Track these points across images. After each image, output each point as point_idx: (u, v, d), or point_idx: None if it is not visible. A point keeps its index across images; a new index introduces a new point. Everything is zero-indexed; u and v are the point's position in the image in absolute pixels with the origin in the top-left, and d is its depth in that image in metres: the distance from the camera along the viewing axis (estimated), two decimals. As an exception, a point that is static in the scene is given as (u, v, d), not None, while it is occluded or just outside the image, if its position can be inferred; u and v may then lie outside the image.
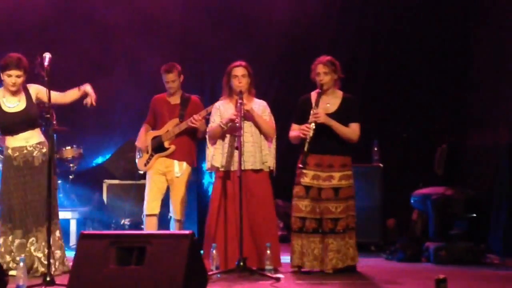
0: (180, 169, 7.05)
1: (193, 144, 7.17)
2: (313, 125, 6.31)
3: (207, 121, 6.92)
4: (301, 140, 6.39)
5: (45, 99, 6.08)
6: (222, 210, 6.59)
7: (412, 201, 8.14)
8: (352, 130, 6.45)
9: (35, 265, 6.27)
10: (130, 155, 7.62)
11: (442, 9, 9.33)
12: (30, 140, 6.39)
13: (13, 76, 6.26)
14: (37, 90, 6.35)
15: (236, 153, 6.42)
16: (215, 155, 6.65)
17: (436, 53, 9.28)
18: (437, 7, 9.33)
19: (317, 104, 6.38)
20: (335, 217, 6.38)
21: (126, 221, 8.52)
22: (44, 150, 6.35)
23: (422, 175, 8.64)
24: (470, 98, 9.05)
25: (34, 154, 6.38)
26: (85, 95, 6.47)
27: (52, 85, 5.91)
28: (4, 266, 6.11)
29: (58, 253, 6.36)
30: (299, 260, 6.38)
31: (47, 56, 5.87)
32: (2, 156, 6.53)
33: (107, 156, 9.39)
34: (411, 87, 9.32)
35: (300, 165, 6.32)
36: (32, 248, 6.29)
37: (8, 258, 6.28)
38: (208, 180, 8.82)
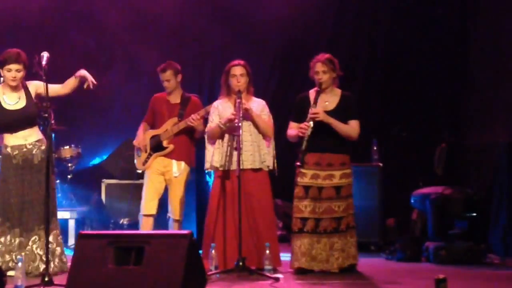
0: (178, 169, 7.02)
1: (192, 144, 7.15)
2: (311, 123, 6.30)
3: (206, 120, 6.90)
4: (300, 138, 6.38)
5: (45, 94, 6.05)
6: (221, 210, 6.58)
7: (412, 201, 8.12)
8: (351, 127, 6.44)
9: (36, 263, 6.26)
10: (129, 154, 7.59)
11: (440, 8, 9.33)
12: (29, 138, 6.38)
13: (13, 71, 6.26)
14: (36, 87, 6.34)
15: (235, 152, 6.40)
16: (215, 155, 6.63)
17: (435, 53, 9.28)
18: (435, 6, 9.32)
19: (315, 102, 6.37)
20: (338, 216, 6.38)
21: (124, 221, 8.51)
22: (43, 147, 6.35)
23: (421, 175, 8.63)
24: (469, 98, 9.05)
25: (34, 152, 6.37)
26: (83, 80, 6.42)
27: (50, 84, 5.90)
28: (3, 266, 6.11)
29: (58, 250, 6.37)
30: (298, 262, 6.36)
31: (45, 55, 5.87)
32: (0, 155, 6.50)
33: (106, 156, 9.37)
34: (410, 87, 9.32)
35: (299, 164, 6.31)
36: (34, 246, 6.29)
37: (7, 257, 6.27)
38: (207, 180, 8.79)
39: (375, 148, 8.52)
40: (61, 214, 7.95)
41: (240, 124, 6.33)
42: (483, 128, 8.62)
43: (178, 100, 7.12)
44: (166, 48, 9.30)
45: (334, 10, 9.64)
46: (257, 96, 6.81)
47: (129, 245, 4.98)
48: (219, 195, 6.60)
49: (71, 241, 8.31)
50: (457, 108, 9.26)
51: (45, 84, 5.84)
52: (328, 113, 6.38)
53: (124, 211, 8.53)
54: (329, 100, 6.48)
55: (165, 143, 7.05)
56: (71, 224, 8.45)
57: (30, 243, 6.30)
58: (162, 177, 7.08)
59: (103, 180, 8.82)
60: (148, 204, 7.03)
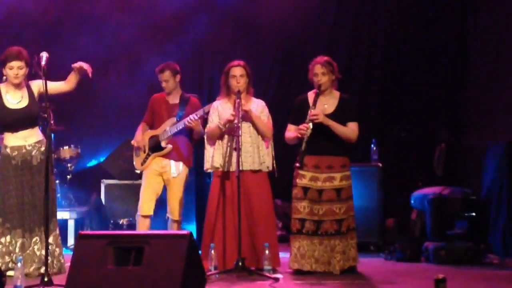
0: (176, 169, 7.02)
1: (190, 144, 7.14)
2: (310, 125, 6.29)
3: (205, 120, 6.90)
4: (298, 140, 6.38)
5: (50, 92, 6.07)
6: (220, 210, 6.58)
7: (411, 201, 8.13)
8: (350, 130, 6.44)
9: (36, 264, 6.25)
10: (128, 154, 7.59)
11: (439, 9, 9.33)
12: (28, 139, 6.38)
13: (15, 68, 6.27)
14: (39, 86, 6.33)
15: (234, 153, 6.40)
16: (215, 155, 6.63)
17: (434, 53, 9.28)
18: (434, 7, 9.32)
19: (314, 104, 6.36)
20: (339, 218, 6.38)
21: (124, 221, 8.50)
22: (43, 148, 6.34)
23: (421, 175, 8.63)
24: (469, 98, 9.05)
25: (33, 153, 6.37)
26: (82, 71, 6.38)
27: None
28: (3, 267, 6.11)
29: (57, 250, 6.37)
30: (297, 263, 6.35)
31: (44, 55, 5.88)
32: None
33: (105, 156, 9.37)
34: (409, 87, 9.32)
35: (297, 165, 6.30)
36: (36, 247, 6.29)
37: (7, 258, 6.27)
38: (207, 181, 8.79)
39: (374, 148, 8.51)
40: (61, 215, 7.95)
41: (239, 124, 6.33)
42: (482, 128, 8.62)
43: (177, 101, 7.11)
44: (166, 48, 9.29)
45: (334, 10, 9.63)
46: (257, 97, 6.80)
47: (128, 245, 4.98)
48: (219, 196, 6.60)
49: (71, 241, 8.31)
50: (456, 108, 9.26)
51: (44, 83, 5.84)
52: (327, 115, 6.38)
53: (124, 211, 8.52)
54: (328, 102, 6.47)
55: (163, 144, 7.04)
56: (71, 224, 8.44)
57: (32, 244, 6.30)
58: (160, 178, 7.07)
59: (102, 181, 8.82)
60: (146, 205, 7.02)
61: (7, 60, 6.27)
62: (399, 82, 9.38)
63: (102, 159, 9.42)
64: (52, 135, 5.92)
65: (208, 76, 9.52)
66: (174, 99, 7.12)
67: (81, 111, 9.36)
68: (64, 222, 8.28)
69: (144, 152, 7.10)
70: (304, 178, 6.40)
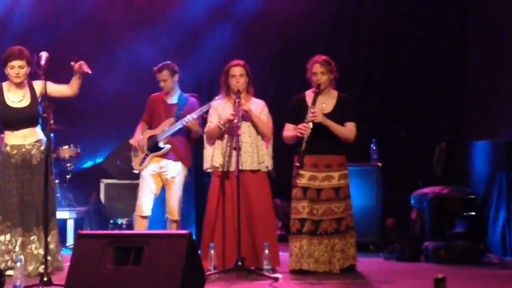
0: (175, 170, 7.01)
1: (189, 144, 7.14)
2: (310, 125, 6.29)
3: (204, 120, 6.90)
4: (297, 140, 6.37)
5: (52, 93, 6.15)
6: (220, 210, 6.58)
7: (412, 200, 8.13)
8: (348, 129, 6.44)
9: (34, 263, 6.25)
10: (127, 154, 7.58)
11: (439, 8, 9.32)
12: (28, 138, 6.38)
13: (16, 67, 6.28)
14: (42, 87, 6.32)
15: (234, 153, 6.40)
16: (215, 155, 6.63)
17: (434, 52, 9.27)
18: (434, 6, 9.31)
19: (314, 103, 6.35)
20: (338, 217, 6.39)
21: (123, 221, 8.49)
22: (43, 148, 6.35)
23: (421, 174, 8.62)
24: (469, 97, 9.04)
25: (32, 152, 6.37)
26: (83, 72, 6.35)
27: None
28: (3, 266, 6.12)
29: (55, 249, 6.37)
30: (297, 263, 6.35)
31: (44, 55, 5.89)
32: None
33: (104, 156, 9.36)
34: (409, 86, 9.31)
35: (298, 165, 6.30)
36: (33, 246, 6.29)
37: (6, 257, 6.27)
38: (206, 180, 8.79)
39: (374, 148, 8.51)
40: (60, 214, 7.94)
41: (239, 124, 6.32)
42: (482, 128, 8.61)
43: (175, 101, 7.11)
44: (166, 48, 9.29)
45: (334, 10, 9.63)
46: (257, 96, 6.80)
47: (128, 245, 4.98)
48: (218, 196, 6.60)
49: (70, 241, 8.30)
50: (456, 107, 9.24)
51: (43, 83, 5.84)
52: (326, 115, 6.38)
53: (123, 211, 8.51)
54: (326, 102, 6.47)
55: (161, 143, 7.04)
56: (70, 224, 8.43)
57: (30, 243, 6.30)
58: (159, 178, 7.07)
59: (102, 180, 8.80)
60: (144, 206, 7.02)
61: (8, 59, 6.29)
62: (399, 82, 9.37)
63: (100, 160, 9.41)
64: (52, 134, 5.91)
65: (208, 76, 9.50)
66: (172, 99, 7.12)
67: (81, 111, 9.35)
68: (64, 222, 8.27)
69: (143, 152, 7.10)
70: (303, 178, 6.40)
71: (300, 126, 6.32)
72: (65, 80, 6.48)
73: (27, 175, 6.35)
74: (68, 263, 5.17)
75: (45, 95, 5.95)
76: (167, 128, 7.02)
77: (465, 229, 7.71)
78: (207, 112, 6.82)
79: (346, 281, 6.06)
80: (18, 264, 5.52)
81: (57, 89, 6.35)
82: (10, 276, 5.75)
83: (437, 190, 7.87)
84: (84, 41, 9.40)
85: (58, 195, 8.56)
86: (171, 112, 7.06)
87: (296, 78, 8.97)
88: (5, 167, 6.38)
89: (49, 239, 5.99)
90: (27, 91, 6.38)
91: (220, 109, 6.67)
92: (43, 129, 6.44)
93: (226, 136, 6.61)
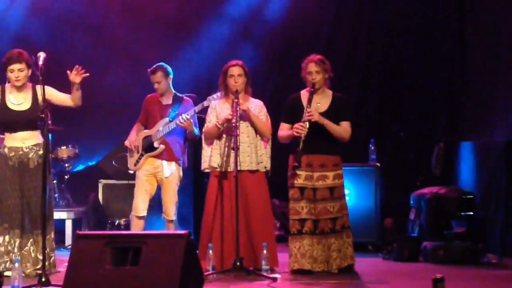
0: (169, 170, 7.01)
1: (184, 144, 7.13)
2: (307, 124, 6.27)
3: (202, 120, 6.90)
4: (293, 139, 6.35)
5: (53, 101, 6.25)
6: (218, 210, 6.57)
7: (411, 201, 8.13)
8: (344, 129, 6.43)
9: (31, 265, 6.24)
10: (123, 154, 7.58)
11: (438, 8, 9.32)
12: (27, 141, 6.37)
13: (16, 71, 6.28)
14: (45, 91, 6.29)
15: (232, 153, 6.39)
16: (213, 155, 6.62)
17: (433, 53, 9.27)
18: (432, 6, 9.31)
19: (310, 103, 6.34)
20: (333, 216, 6.37)
21: (121, 221, 8.49)
22: (41, 152, 6.30)
23: (419, 175, 8.62)
24: (467, 98, 9.04)
25: (30, 156, 6.35)
26: (79, 82, 6.33)
27: (47, 84, 5.88)
28: (1, 267, 6.11)
29: (50, 252, 6.34)
30: (298, 263, 6.34)
31: (42, 55, 5.88)
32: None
33: (102, 157, 9.35)
34: (407, 86, 9.31)
35: (296, 164, 6.28)
36: (31, 248, 6.28)
37: (5, 258, 6.27)
38: (206, 181, 8.78)
39: (373, 148, 8.51)
40: (58, 215, 7.95)
41: (237, 124, 6.32)
42: (481, 128, 8.61)
43: (170, 101, 7.11)
44: (165, 48, 9.29)
45: (333, 10, 9.63)
46: (255, 96, 6.80)
47: (126, 245, 4.98)
48: (216, 196, 6.59)
49: (68, 241, 8.29)
50: (455, 108, 9.25)
51: (41, 83, 5.83)
52: (321, 114, 6.37)
53: (121, 211, 8.50)
54: (321, 101, 6.46)
55: (156, 144, 7.04)
56: (68, 224, 8.43)
57: (28, 245, 6.28)
58: (154, 178, 7.07)
59: (100, 181, 8.80)
60: (140, 206, 7.02)
61: (7, 63, 6.29)
62: (398, 82, 9.37)
63: (96, 161, 9.41)
64: (50, 135, 5.90)
65: (206, 75, 9.50)
66: (167, 100, 7.13)
67: (79, 111, 9.30)
68: (62, 222, 8.27)
69: (138, 152, 7.11)
70: (300, 178, 6.38)
71: (296, 125, 6.31)
72: (65, 80, 6.46)
73: (24, 178, 6.33)
74: (66, 264, 5.16)
75: (43, 98, 5.93)
76: (161, 128, 7.02)
77: (464, 229, 7.70)
78: (205, 112, 6.82)
79: (344, 281, 6.06)
80: (16, 265, 5.51)
81: (59, 98, 6.37)
82: (8, 277, 5.74)
83: (434, 190, 7.87)
84: (83, 42, 9.40)
85: (56, 195, 8.56)
86: (165, 113, 7.06)
87: (295, 77, 8.97)
88: (1, 169, 6.36)
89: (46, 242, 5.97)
90: (28, 95, 6.37)
91: (219, 109, 6.66)
92: (41, 130, 6.41)
93: (224, 136, 6.61)
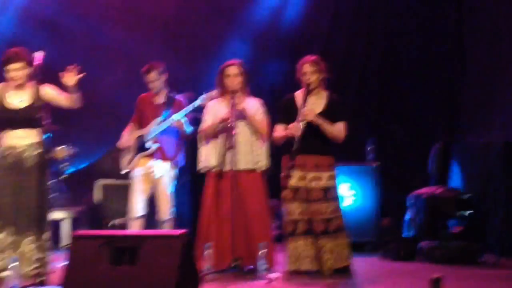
0: (162, 169, 7.01)
1: (178, 144, 7.12)
2: (302, 124, 6.26)
3: (196, 120, 6.89)
4: (287, 140, 6.33)
5: (52, 101, 6.25)
6: (215, 210, 6.56)
7: (408, 201, 8.14)
8: (339, 129, 6.42)
9: (26, 265, 6.24)
10: (117, 154, 7.58)
11: (436, 8, 9.33)
12: (23, 140, 6.35)
13: (13, 70, 6.25)
14: (46, 92, 6.26)
15: (229, 153, 6.38)
16: (209, 155, 6.62)
17: (432, 52, 9.28)
18: (431, 6, 9.32)
19: (304, 103, 6.33)
20: (327, 217, 6.34)
21: (119, 221, 8.48)
22: (38, 151, 6.29)
23: (417, 174, 8.63)
24: (466, 98, 9.05)
25: (25, 154, 6.33)
26: (74, 84, 6.33)
27: (45, 83, 5.88)
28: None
29: (47, 254, 6.33)
30: (294, 264, 6.34)
31: (38, 54, 5.86)
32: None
33: (100, 156, 9.35)
34: (406, 86, 9.32)
35: (291, 164, 6.26)
36: (26, 249, 6.27)
37: (0, 256, 6.25)
38: (201, 180, 8.77)
39: (371, 147, 8.51)
40: (56, 214, 7.93)
41: (234, 123, 6.31)
42: (479, 128, 8.61)
43: (162, 101, 7.11)
44: (164, 47, 9.29)
45: (331, 10, 9.63)
46: (254, 96, 6.79)
47: (123, 245, 4.98)
48: (213, 195, 6.59)
49: (66, 241, 8.29)
50: (453, 107, 9.26)
51: (36, 82, 5.82)
52: (316, 115, 6.36)
53: (119, 211, 8.49)
54: (316, 102, 6.45)
55: (149, 144, 7.03)
56: (66, 224, 8.43)
57: (22, 246, 6.27)
58: (147, 178, 7.06)
59: (97, 180, 8.80)
60: (136, 207, 7.01)
61: (5, 62, 6.27)
62: (396, 82, 9.38)
63: (93, 161, 9.40)
64: (50, 134, 5.89)
65: (205, 75, 9.50)
66: (160, 99, 7.12)
67: (77, 111, 9.32)
68: (59, 222, 8.26)
69: (131, 152, 7.10)
70: (293, 179, 6.37)
71: (291, 125, 6.30)
72: (60, 81, 6.46)
73: (20, 176, 6.31)
74: (62, 264, 5.16)
75: (37, 97, 5.92)
76: (153, 128, 7.02)
77: (461, 229, 7.71)
78: (200, 111, 6.81)
79: (342, 281, 6.06)
80: (14, 264, 5.50)
81: (58, 98, 6.34)
82: (5, 277, 5.73)
83: (431, 190, 7.87)
84: (81, 42, 9.40)
85: (53, 195, 8.53)
86: (158, 112, 7.06)
87: (293, 77, 8.97)
88: (-1, 167, 6.36)
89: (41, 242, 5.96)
90: (29, 93, 6.34)
91: (215, 109, 6.66)
92: (40, 129, 6.40)
93: (221, 135, 6.60)
